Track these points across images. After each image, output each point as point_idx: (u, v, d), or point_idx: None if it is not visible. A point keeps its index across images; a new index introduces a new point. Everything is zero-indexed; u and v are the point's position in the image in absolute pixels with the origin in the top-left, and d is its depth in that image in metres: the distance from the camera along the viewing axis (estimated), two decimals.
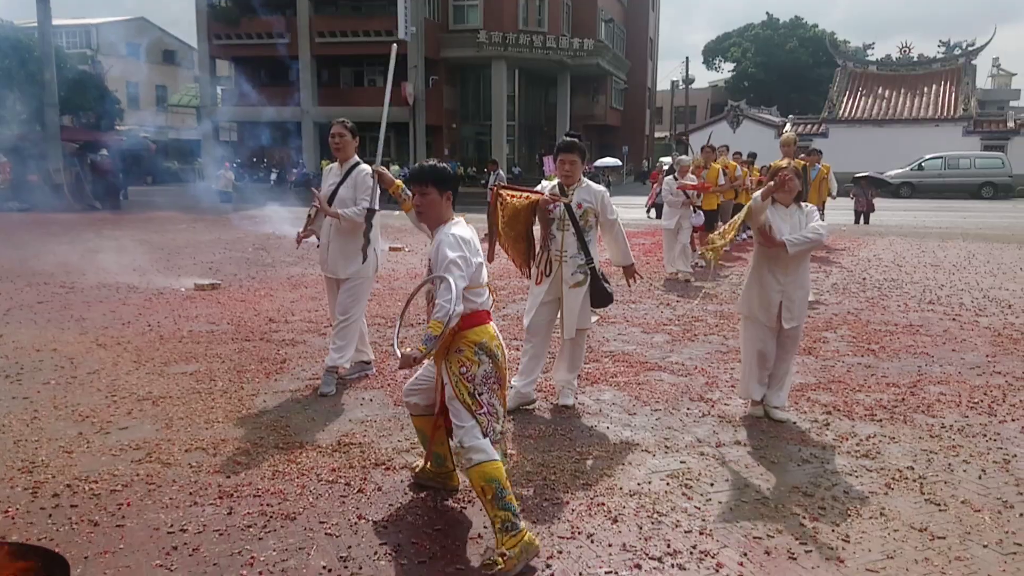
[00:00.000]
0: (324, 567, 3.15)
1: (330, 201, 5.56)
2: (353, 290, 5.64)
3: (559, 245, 4.95)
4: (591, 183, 5.03)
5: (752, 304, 4.92)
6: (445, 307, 3.20)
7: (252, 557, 3.21)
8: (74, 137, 27.54)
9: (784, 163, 4.98)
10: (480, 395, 3.38)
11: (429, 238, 3.59)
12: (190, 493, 3.81)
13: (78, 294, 9.11)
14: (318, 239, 5.80)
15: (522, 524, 3.19)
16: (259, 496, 3.79)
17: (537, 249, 5.10)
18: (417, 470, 3.96)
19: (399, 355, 3.25)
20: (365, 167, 5.55)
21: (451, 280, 3.24)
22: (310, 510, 3.65)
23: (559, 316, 5.14)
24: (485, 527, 3.48)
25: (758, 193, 4.74)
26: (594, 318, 5.38)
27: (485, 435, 3.32)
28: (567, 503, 3.73)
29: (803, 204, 4.90)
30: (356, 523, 3.53)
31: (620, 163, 44.29)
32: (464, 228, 3.51)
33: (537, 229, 5.09)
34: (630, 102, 53.68)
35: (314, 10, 38.09)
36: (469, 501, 3.76)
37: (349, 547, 3.31)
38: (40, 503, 3.69)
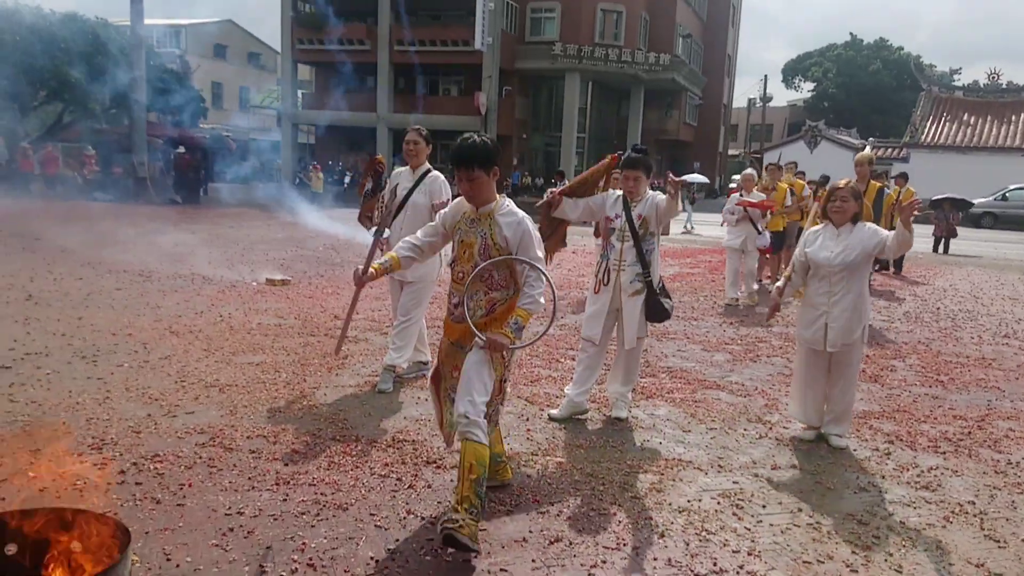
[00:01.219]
0: (372, 558, 3.22)
1: (402, 206, 5.68)
2: (416, 292, 5.74)
3: (618, 255, 4.97)
4: (659, 194, 4.99)
5: (799, 323, 4.90)
6: (539, 301, 3.30)
7: (304, 543, 3.30)
8: (159, 133, 28.66)
9: (842, 183, 4.83)
10: (505, 381, 3.46)
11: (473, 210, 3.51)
12: (249, 478, 3.94)
13: (155, 283, 9.48)
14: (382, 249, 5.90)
15: (480, 519, 3.30)
16: (314, 485, 3.89)
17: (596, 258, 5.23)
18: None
19: (482, 337, 3.30)
20: (438, 173, 5.67)
21: (544, 272, 3.30)
22: (362, 502, 3.73)
23: (616, 327, 5.12)
24: (531, 531, 3.51)
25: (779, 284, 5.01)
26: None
27: (490, 417, 3.43)
28: (614, 515, 3.72)
29: (865, 224, 4.74)
30: (405, 518, 3.59)
31: (707, 180, 43.53)
32: (524, 213, 3.47)
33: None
34: (704, 118, 53.07)
35: (395, 18, 38.82)
36: (515, 505, 3.79)
37: (397, 540, 3.37)
38: (107, 479, 3.86)
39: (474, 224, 3.47)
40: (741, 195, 10.18)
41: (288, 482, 3.91)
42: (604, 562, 3.27)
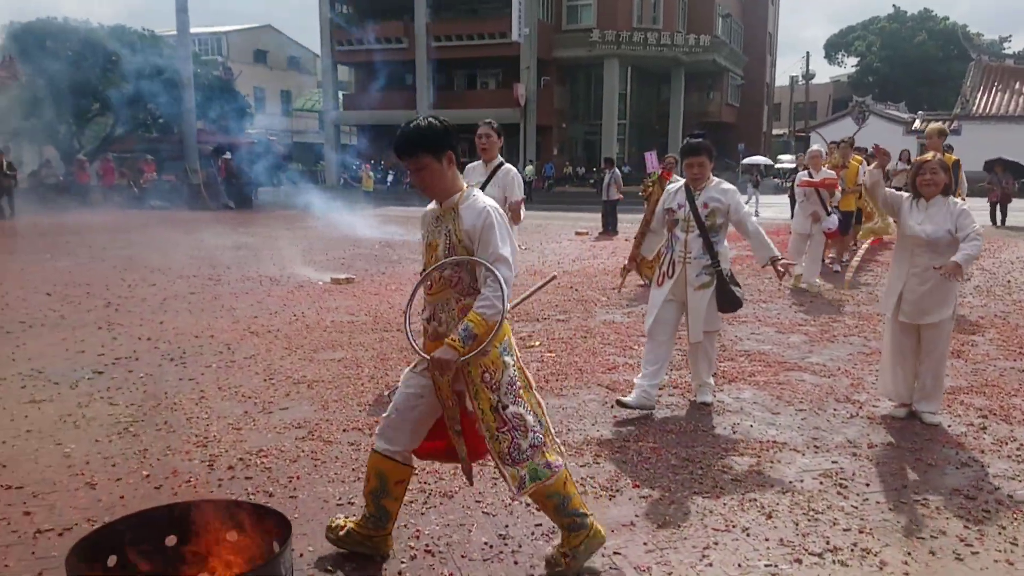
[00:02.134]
0: (485, 543, 3.28)
1: None
2: None
3: (683, 246, 4.80)
4: (724, 182, 4.81)
5: (883, 294, 4.87)
6: (496, 305, 2.73)
7: (417, 530, 3.38)
8: (208, 140, 29.22)
9: (930, 155, 4.72)
10: (504, 408, 2.85)
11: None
12: (352, 469, 4.03)
13: (225, 286, 9.70)
14: None
15: (588, 519, 3.02)
16: (417, 474, 3.94)
17: (637, 253, 5.24)
18: (341, 532, 3.15)
19: (425, 357, 2.82)
20: (511, 167, 5.71)
21: (500, 275, 2.75)
22: (465, 490, 3.79)
23: (683, 318, 4.99)
24: (636, 515, 3.54)
25: (871, 167, 4.75)
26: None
27: (503, 459, 2.86)
28: (718, 497, 3.73)
29: (953, 199, 4.66)
30: (510, 504, 3.64)
31: (771, 161, 42.74)
32: (490, 199, 2.96)
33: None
34: (747, 98, 52.30)
35: (431, 15, 38.98)
36: (616, 490, 3.81)
37: (507, 526, 3.43)
38: (217, 474, 3.99)
39: (439, 222, 2.96)
40: (809, 175, 9.61)
41: None
42: (716, 544, 3.28)
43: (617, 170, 18.16)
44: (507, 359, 2.89)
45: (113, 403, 5.07)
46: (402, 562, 3.13)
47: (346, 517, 3.26)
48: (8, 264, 11.46)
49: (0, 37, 27.79)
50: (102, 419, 4.72)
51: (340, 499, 3.68)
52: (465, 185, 2.98)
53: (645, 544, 3.27)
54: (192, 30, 26.09)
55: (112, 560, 2.06)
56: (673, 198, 4.86)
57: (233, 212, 22.54)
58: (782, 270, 4.67)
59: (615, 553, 3.20)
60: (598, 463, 4.14)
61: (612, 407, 5.05)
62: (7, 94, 24.30)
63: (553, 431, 3.08)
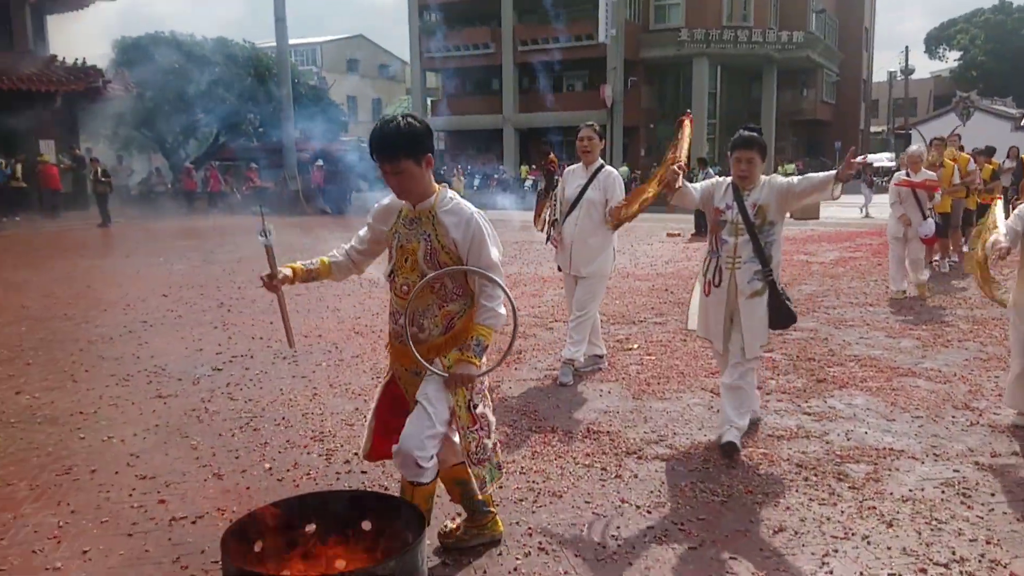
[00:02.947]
0: (598, 543, 3.30)
1: (576, 202, 5.75)
2: (591, 287, 5.79)
3: (731, 251, 4.23)
4: (773, 179, 4.27)
5: (1012, 298, 4.58)
6: (499, 313, 2.79)
7: (529, 528, 3.43)
8: (305, 147, 30.23)
9: None
10: (475, 407, 2.89)
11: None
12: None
13: (329, 288, 10.00)
14: (555, 245, 5.98)
15: (492, 510, 3.21)
16: (524, 473, 4.02)
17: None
18: (447, 531, 3.25)
19: (443, 374, 2.80)
20: (612, 169, 5.72)
21: (501, 282, 2.78)
22: (573, 490, 3.82)
23: (732, 336, 4.39)
24: (751, 521, 3.49)
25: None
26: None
27: (470, 457, 2.91)
28: (835, 504, 3.64)
29: None
30: (620, 506, 3.65)
31: (890, 161, 40.99)
32: (470, 204, 2.91)
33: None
34: (842, 95, 50.62)
35: (518, 19, 39.27)
36: (728, 496, 3.77)
37: (618, 527, 3.44)
38: (335, 468, 4.14)
39: (414, 225, 2.87)
40: (907, 175, 9.01)
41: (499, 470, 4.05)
42: (836, 551, 3.21)
43: (709, 170, 17.86)
44: (483, 359, 2.91)
45: (233, 398, 5.33)
46: (517, 558, 3.18)
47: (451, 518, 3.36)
48: (126, 267, 12.15)
49: (112, 52, 29.51)
50: (224, 413, 4.97)
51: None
52: (437, 186, 2.89)
53: (761, 550, 3.22)
54: (289, 42, 27.03)
55: (259, 545, 2.18)
56: (721, 197, 4.31)
57: (330, 217, 23.22)
58: (851, 172, 3.92)
59: (731, 558, 3.16)
60: (707, 468, 4.10)
61: (718, 411, 4.98)
62: (119, 106, 25.75)
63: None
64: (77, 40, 26.10)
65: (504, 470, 3.09)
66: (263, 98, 29.33)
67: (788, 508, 3.60)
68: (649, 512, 3.59)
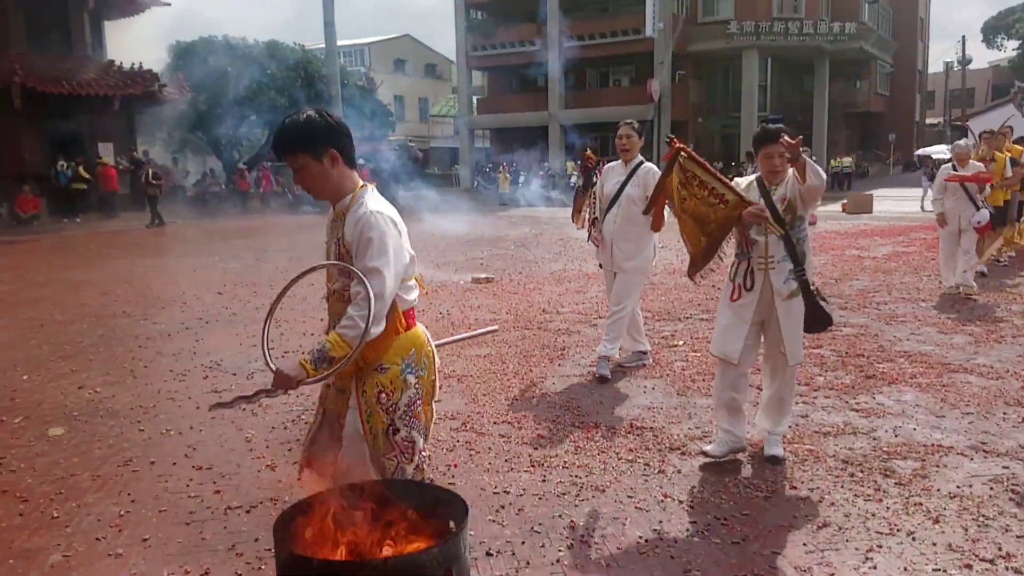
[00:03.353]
0: (640, 537, 3.33)
1: (615, 199, 5.76)
2: (629, 282, 5.79)
3: (762, 251, 3.96)
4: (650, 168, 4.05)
5: None
6: (359, 325, 2.41)
7: (572, 521, 3.48)
8: (355, 147, 30.64)
9: None
10: (395, 433, 2.64)
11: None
12: (506, 460, 4.18)
13: None
14: (596, 243, 5.98)
15: None
16: (567, 468, 4.07)
17: (724, 254, 4.09)
18: None
19: (272, 369, 2.52)
20: (651, 166, 5.72)
21: (370, 290, 2.39)
22: (616, 485, 3.86)
23: (763, 343, 4.19)
24: (795, 516, 3.48)
25: None
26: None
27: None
28: (880, 500, 3.61)
29: None
30: (663, 500, 3.67)
31: (948, 153, 40.05)
32: (383, 202, 2.64)
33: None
34: (897, 87, 49.38)
35: (563, 16, 39.18)
36: (771, 491, 3.76)
37: (660, 522, 3.46)
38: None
39: (333, 227, 2.68)
40: (955, 169, 8.78)
41: (542, 464, 4.12)
42: (880, 547, 3.19)
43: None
44: (409, 378, 2.65)
45: (285, 393, 5.46)
46: (559, 550, 3.24)
47: None
48: (182, 266, 12.51)
49: (167, 56, 30.29)
50: (277, 407, 5.11)
51: (496, 488, 3.83)
52: (359, 185, 2.66)
53: (805, 545, 3.22)
54: (338, 43, 27.42)
55: (309, 532, 2.27)
56: (745, 195, 3.99)
57: None
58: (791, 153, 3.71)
59: (774, 552, 3.17)
60: (751, 464, 4.10)
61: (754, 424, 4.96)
62: (174, 109, 26.44)
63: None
64: (133, 45, 26.86)
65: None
66: (313, 99, 29.80)
67: (833, 504, 3.59)
68: (692, 507, 3.61)
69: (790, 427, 4.56)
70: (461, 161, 42.81)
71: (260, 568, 3.13)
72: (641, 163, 5.78)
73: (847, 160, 34.30)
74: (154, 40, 30.07)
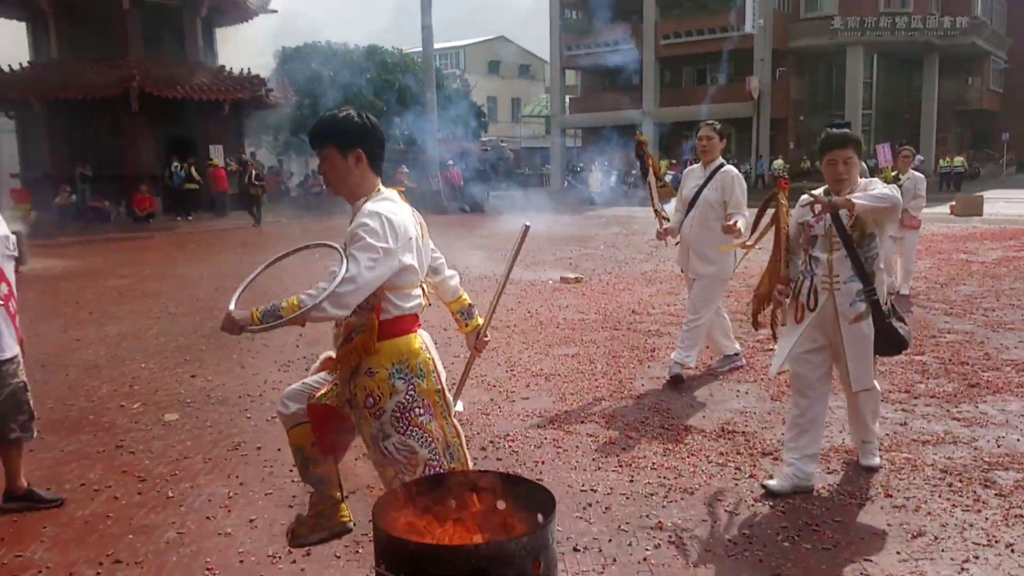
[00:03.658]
0: (729, 540, 3.33)
1: (693, 202, 5.64)
2: (706, 290, 5.65)
3: (826, 270, 3.66)
4: (874, 182, 3.66)
5: None
6: (316, 297, 2.45)
7: (660, 521, 3.50)
8: (448, 148, 31.20)
9: None
10: (385, 439, 2.64)
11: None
12: (593, 459, 4.24)
13: (465, 284, 10.25)
14: (668, 241, 5.88)
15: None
16: (656, 469, 4.09)
17: (787, 273, 3.80)
18: (292, 527, 3.06)
19: (229, 311, 2.56)
20: (731, 168, 5.58)
21: (342, 269, 2.47)
22: (706, 487, 3.86)
23: (833, 368, 3.88)
24: (889, 524, 3.41)
25: None
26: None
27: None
28: (979, 511, 3.49)
29: None
30: (753, 505, 3.65)
31: None
32: (396, 206, 2.66)
33: None
34: (1012, 84, 46.62)
35: (660, 13, 38.77)
36: (866, 498, 3.69)
37: (750, 525, 3.45)
38: (471, 453, 4.30)
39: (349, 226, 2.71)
40: None
41: (630, 464, 4.15)
42: (976, 558, 3.10)
43: (864, 164, 17.01)
44: (397, 383, 2.62)
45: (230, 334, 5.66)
46: (646, 550, 3.27)
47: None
48: (286, 263, 13.01)
49: (273, 61, 31.57)
50: None
51: (583, 486, 3.89)
52: (376, 189, 2.71)
53: (898, 553, 3.16)
54: (434, 46, 27.99)
55: (405, 516, 2.39)
56: (808, 209, 3.76)
57: (468, 215, 23.89)
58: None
59: (866, 559, 3.12)
60: (846, 471, 4.02)
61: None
62: (280, 112, 27.55)
63: (469, 463, 2.84)
64: (242, 50, 28.12)
65: None
66: (409, 102, 30.51)
67: (929, 513, 3.49)
68: (783, 512, 3.58)
69: (887, 435, 4.45)
70: (551, 161, 42.91)
71: (358, 551, 3.29)
72: (721, 165, 5.62)
73: (958, 160, 32.62)
74: (261, 46, 31.38)
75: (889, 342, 3.66)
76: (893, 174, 8.96)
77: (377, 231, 2.53)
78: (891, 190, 3.64)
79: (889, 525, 3.40)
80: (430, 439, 2.68)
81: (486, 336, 3.22)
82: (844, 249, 3.61)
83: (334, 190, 2.76)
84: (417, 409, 2.66)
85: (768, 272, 3.91)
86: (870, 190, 3.57)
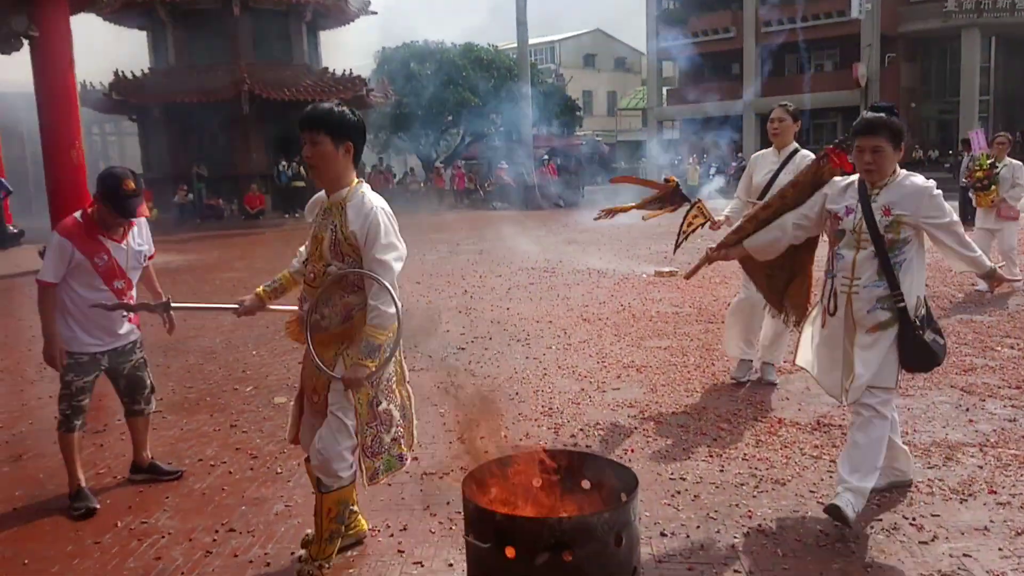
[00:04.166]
0: (820, 531, 3.29)
1: (767, 189, 5.36)
2: None
3: (848, 270, 3.30)
4: (914, 176, 3.28)
5: None
6: (386, 312, 2.79)
7: (749, 511, 3.49)
8: (542, 144, 31.35)
9: None
10: (378, 404, 2.95)
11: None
12: (683, 449, 4.25)
13: (559, 277, 10.47)
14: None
15: (344, 525, 3.12)
16: (747, 460, 4.07)
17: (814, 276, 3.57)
18: (310, 538, 3.20)
19: (339, 376, 2.87)
20: (807, 153, 5.17)
21: (386, 282, 2.79)
22: (798, 479, 3.81)
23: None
24: (992, 520, 3.29)
25: None
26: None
27: (364, 450, 2.95)
28: None
29: None
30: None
31: None
32: (380, 198, 2.96)
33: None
34: None
35: (761, 1, 37.71)
36: (968, 493, 3.57)
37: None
38: (562, 440, 4.45)
39: (327, 216, 2.97)
40: None
41: (720, 455, 4.14)
42: None
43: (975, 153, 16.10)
44: (375, 358, 2.87)
45: (474, 375, 5.85)
46: (735, 537, 3.28)
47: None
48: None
49: (373, 61, 32.45)
50: (466, 387, 5.48)
51: (672, 474, 3.92)
52: (355, 180, 2.96)
53: (1000, 550, 3.05)
54: (529, 42, 28.13)
55: (493, 492, 2.50)
56: (840, 198, 3.39)
57: (563, 210, 23.95)
58: (997, 286, 3.77)
59: (964, 555, 3.03)
60: (948, 465, 3.89)
61: (968, 411, 4.66)
62: (380, 112, 28.29)
63: (415, 423, 3.25)
64: (345, 52, 29.05)
65: (405, 462, 3.10)
66: (505, 98, 30.79)
67: (997, 522, 3.33)
68: (879, 505, 3.50)
69: (993, 431, 4.28)
70: (648, 154, 42.40)
71: (451, 528, 3.43)
72: (796, 150, 5.23)
73: None
74: (363, 47, 32.32)
75: (917, 355, 3.24)
76: (989, 161, 8.45)
77: (390, 227, 2.88)
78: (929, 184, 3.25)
79: (992, 522, 3.29)
80: (399, 403, 3.08)
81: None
82: (872, 247, 3.24)
83: (317, 175, 2.95)
84: (395, 377, 3.06)
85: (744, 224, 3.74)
86: (910, 181, 3.23)
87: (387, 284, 2.78)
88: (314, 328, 2.94)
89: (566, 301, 8.73)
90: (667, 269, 10.65)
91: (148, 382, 4.08)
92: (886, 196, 3.24)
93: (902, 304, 3.20)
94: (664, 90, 43.94)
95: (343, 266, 2.89)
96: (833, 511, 3.21)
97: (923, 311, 3.27)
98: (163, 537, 3.48)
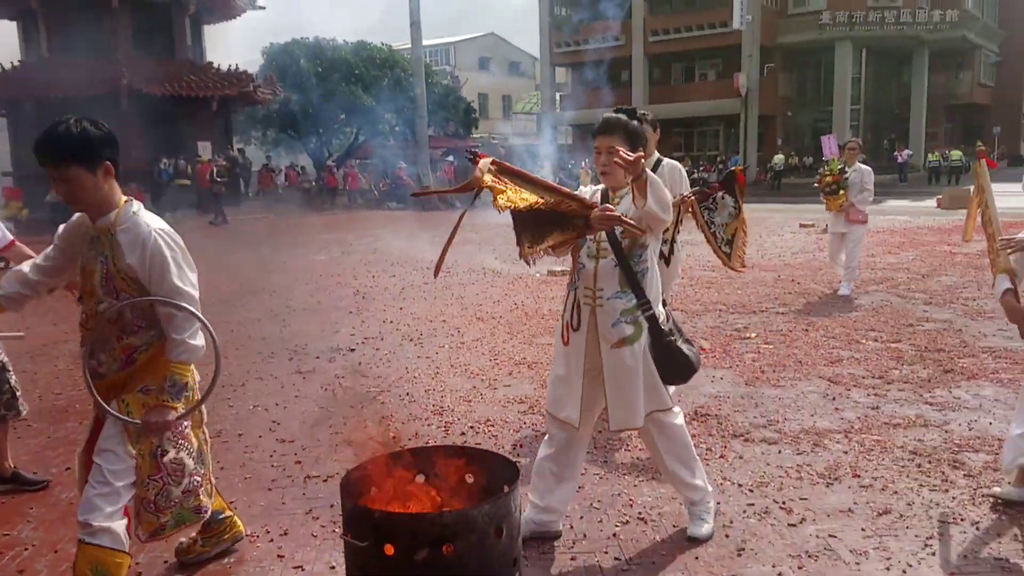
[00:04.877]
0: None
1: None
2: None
3: (590, 280, 3.04)
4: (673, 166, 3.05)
5: None
6: (193, 345, 2.53)
7: (631, 499, 3.58)
8: (437, 145, 31.25)
9: None
10: (164, 455, 2.60)
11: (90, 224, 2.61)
12: None
13: (454, 277, 10.45)
14: None
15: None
16: (629, 451, 4.17)
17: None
18: (184, 547, 3.09)
19: (134, 422, 2.52)
20: (674, 163, 4.87)
21: (193, 309, 2.52)
22: None
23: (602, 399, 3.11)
24: (855, 503, 3.48)
25: None
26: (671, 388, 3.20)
27: (145, 505, 2.59)
28: (946, 491, 3.57)
29: None
30: (722, 484, 3.73)
31: None
32: (157, 218, 2.63)
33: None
34: (1003, 77, 46.98)
35: (649, 10, 38.86)
36: (834, 478, 3.76)
37: (719, 503, 3.51)
38: (452, 439, 4.43)
39: (94, 245, 2.56)
40: None
41: (605, 447, 4.22)
42: (941, 535, 3.17)
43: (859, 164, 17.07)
44: (173, 399, 2.60)
45: (364, 376, 5.75)
46: (616, 526, 3.34)
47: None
48: (273, 258, 13.09)
49: (261, 57, 31.53)
50: (356, 388, 5.38)
51: None
52: (123, 200, 2.58)
53: (863, 530, 3.23)
54: (424, 43, 27.98)
55: (373, 491, 2.46)
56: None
57: (457, 210, 23.94)
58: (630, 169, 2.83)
59: (830, 536, 3.20)
60: (816, 451, 4.10)
61: (834, 400, 4.92)
62: (268, 108, 27.52)
63: (211, 469, 2.94)
64: (230, 47, 28.13)
65: (205, 513, 2.81)
66: (399, 98, 30.53)
67: (896, 492, 3.57)
68: (751, 491, 3.65)
69: (857, 418, 4.54)
70: (541, 158, 42.94)
71: (334, 531, 3.35)
72: (660, 160, 4.88)
73: (956, 153, 32.51)
74: (249, 42, 31.36)
75: (671, 365, 3.04)
76: (839, 167, 8.76)
77: (177, 251, 2.57)
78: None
79: (856, 504, 3.48)
80: (194, 449, 2.75)
81: None
82: (612, 255, 2.99)
83: (78, 207, 2.56)
84: (185, 421, 2.69)
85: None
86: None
87: (194, 311, 2.50)
88: (93, 375, 2.59)
89: (460, 300, 8.72)
90: (560, 268, 10.80)
91: (7, 386, 3.80)
92: (625, 204, 3.00)
93: (650, 312, 2.99)
94: (558, 95, 44.62)
95: (116, 303, 2.52)
96: (696, 540, 3.17)
97: (670, 321, 3.11)
98: (26, 549, 3.26)
